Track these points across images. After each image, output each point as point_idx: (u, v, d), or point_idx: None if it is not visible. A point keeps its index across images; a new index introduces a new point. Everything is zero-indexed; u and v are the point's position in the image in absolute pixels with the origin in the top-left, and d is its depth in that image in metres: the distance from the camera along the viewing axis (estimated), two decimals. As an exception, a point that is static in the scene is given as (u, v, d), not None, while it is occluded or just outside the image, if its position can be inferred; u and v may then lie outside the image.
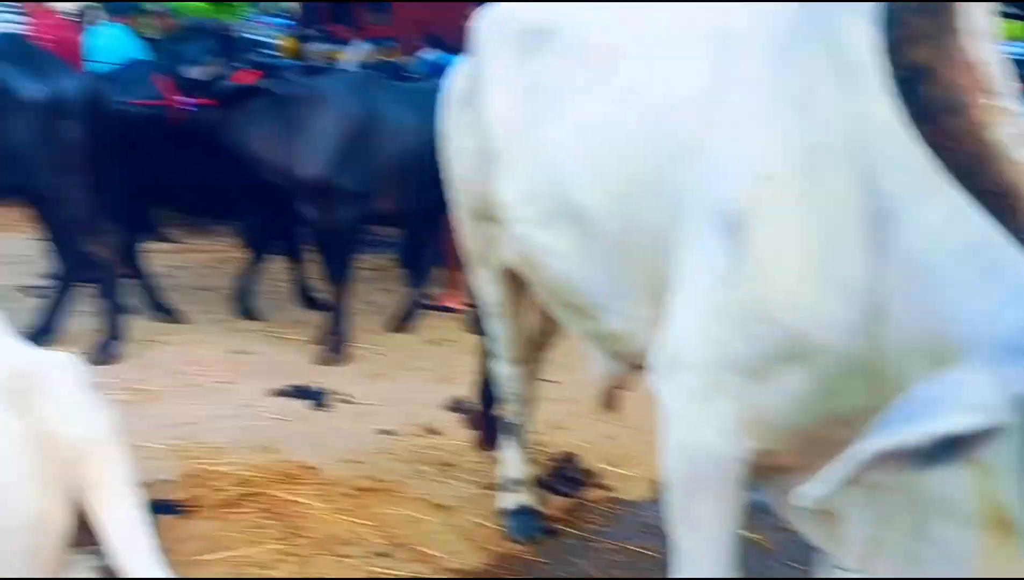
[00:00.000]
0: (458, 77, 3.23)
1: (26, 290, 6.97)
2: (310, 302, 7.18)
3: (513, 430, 3.62)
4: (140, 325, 6.34)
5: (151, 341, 5.96)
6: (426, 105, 3.94)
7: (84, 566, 2.81)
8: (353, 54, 11.37)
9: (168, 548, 3.12)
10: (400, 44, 11.30)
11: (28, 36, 8.77)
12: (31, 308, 5.74)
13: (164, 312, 6.49)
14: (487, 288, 3.39)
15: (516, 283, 3.22)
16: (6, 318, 3.06)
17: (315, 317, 6.76)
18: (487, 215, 3.05)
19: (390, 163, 5.82)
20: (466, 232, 3.34)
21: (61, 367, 2.83)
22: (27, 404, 2.67)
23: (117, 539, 2.64)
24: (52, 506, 2.63)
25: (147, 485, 3.54)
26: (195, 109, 5.61)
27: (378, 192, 5.85)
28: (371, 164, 5.78)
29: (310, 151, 5.63)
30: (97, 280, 5.60)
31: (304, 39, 13.53)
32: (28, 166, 5.16)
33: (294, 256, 7.28)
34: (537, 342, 3.62)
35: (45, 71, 5.34)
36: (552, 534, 3.59)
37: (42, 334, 5.36)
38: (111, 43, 9.05)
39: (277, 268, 8.35)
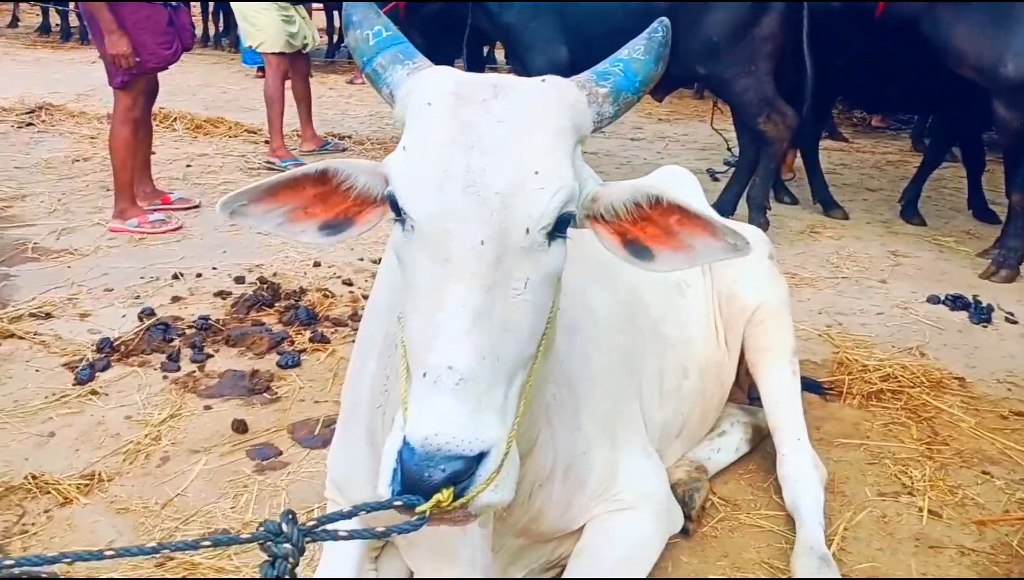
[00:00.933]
0: None
1: (711, 174, 7.71)
2: (984, 213, 6.65)
3: None
4: (804, 215, 6.58)
5: (812, 231, 6.14)
6: None
7: (735, 419, 3.11)
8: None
9: (812, 425, 3.28)
10: None
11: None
12: (715, 191, 6.30)
13: (829, 206, 6.60)
14: None
15: None
16: (700, 189, 3.42)
17: (985, 229, 6.28)
18: None
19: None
20: None
21: (750, 237, 3.09)
22: (716, 266, 3.00)
23: (774, 401, 2.85)
24: (723, 357, 2.94)
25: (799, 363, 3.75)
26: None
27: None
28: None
29: (1019, 47, 5.01)
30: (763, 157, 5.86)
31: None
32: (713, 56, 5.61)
33: (974, 162, 6.72)
34: None
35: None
36: None
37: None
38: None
39: (948, 174, 7.88)
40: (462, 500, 1.36)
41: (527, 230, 1.44)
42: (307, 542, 1.22)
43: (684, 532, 2.59)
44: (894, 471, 3.06)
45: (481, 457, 1.38)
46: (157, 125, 7.48)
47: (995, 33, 5.06)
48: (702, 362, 2.81)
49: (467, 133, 1.46)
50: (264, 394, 3.54)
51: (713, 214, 1.61)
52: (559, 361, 2.11)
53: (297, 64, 7.73)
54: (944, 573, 2.55)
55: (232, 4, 8.05)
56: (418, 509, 1.34)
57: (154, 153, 6.46)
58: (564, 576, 2.20)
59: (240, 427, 3.26)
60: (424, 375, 1.40)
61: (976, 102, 5.53)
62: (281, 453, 3.13)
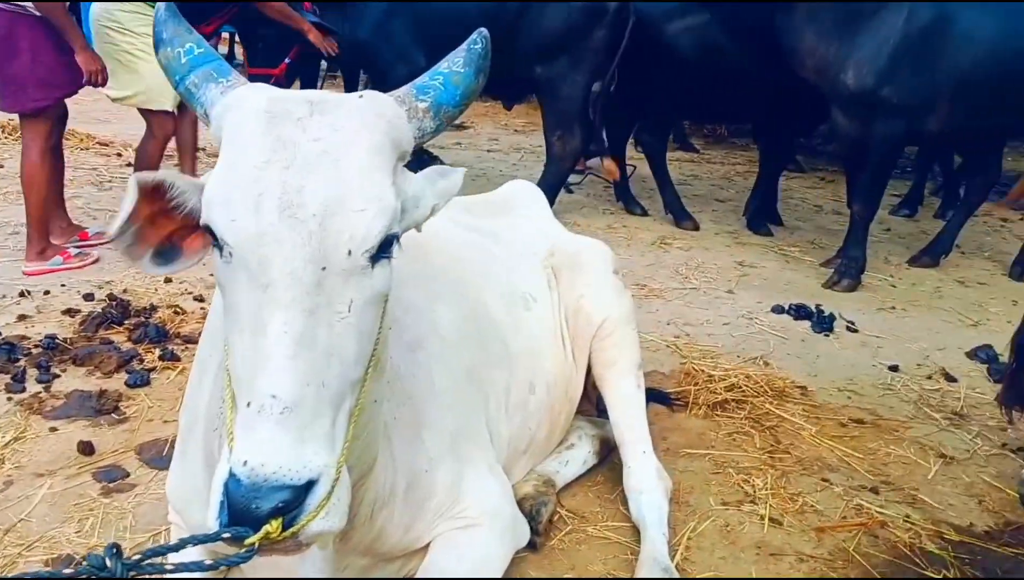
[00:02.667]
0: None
1: (566, 186, 7.78)
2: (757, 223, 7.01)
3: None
4: (655, 226, 6.74)
5: (663, 242, 6.30)
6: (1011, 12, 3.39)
7: (583, 431, 3.11)
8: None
9: (658, 435, 3.32)
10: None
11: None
12: (564, 201, 6.37)
13: (680, 217, 6.78)
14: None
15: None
16: (547, 203, 3.44)
17: (828, 239, 6.59)
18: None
19: (951, 76, 5.17)
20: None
21: (597, 251, 3.12)
22: (564, 278, 3.00)
23: (619, 413, 2.86)
24: (571, 371, 2.93)
25: (645, 374, 3.79)
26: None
27: (931, 108, 5.27)
28: (928, 76, 5.19)
29: (860, 58, 5.23)
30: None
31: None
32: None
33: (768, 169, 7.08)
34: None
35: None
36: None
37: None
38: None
39: (793, 185, 8.26)
40: (292, 530, 1.33)
41: (348, 253, 1.40)
42: (133, 576, 1.19)
43: (531, 546, 2.57)
44: (737, 480, 3.12)
45: (310, 485, 1.34)
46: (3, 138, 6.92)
47: (839, 41, 5.28)
48: (549, 377, 2.80)
49: (281, 152, 1.40)
50: (112, 414, 3.38)
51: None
52: (399, 379, 2.08)
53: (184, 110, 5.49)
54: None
55: (97, 40, 5.21)
56: (246, 542, 1.29)
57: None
58: None
59: (86, 449, 3.10)
60: (248, 404, 1.35)
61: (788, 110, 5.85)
62: (129, 475, 2.98)
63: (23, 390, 3.51)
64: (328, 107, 1.47)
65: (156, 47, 1.66)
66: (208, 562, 1.32)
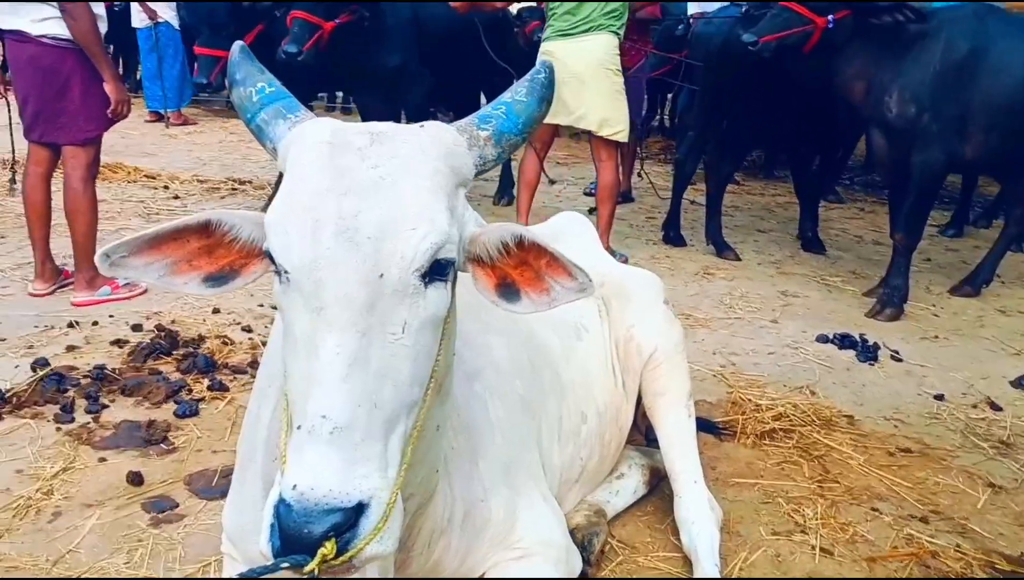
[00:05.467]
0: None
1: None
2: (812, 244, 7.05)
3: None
4: (697, 257, 6.70)
5: (706, 273, 6.25)
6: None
7: (633, 461, 3.09)
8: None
9: (707, 465, 3.28)
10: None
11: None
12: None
13: (721, 247, 6.74)
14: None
15: None
16: (595, 235, 3.44)
17: (871, 268, 6.50)
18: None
19: (991, 105, 5.11)
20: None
21: (645, 281, 3.11)
22: (614, 308, 2.99)
23: (670, 444, 2.82)
24: (621, 400, 2.91)
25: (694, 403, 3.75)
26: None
27: (971, 137, 5.19)
28: (968, 105, 5.13)
29: (904, 84, 5.18)
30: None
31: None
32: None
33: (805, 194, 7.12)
34: None
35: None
36: None
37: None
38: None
39: (833, 215, 8.15)
40: (347, 554, 1.31)
41: (399, 273, 1.39)
42: None
43: (583, 577, 2.53)
44: (787, 510, 3.07)
45: (361, 508, 1.32)
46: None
47: (884, 68, 5.24)
48: (600, 406, 2.78)
49: (340, 180, 1.41)
50: (161, 444, 3.37)
51: (576, 257, 1.62)
52: (456, 409, 2.07)
53: None
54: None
55: None
56: (305, 569, 1.28)
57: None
58: None
59: (135, 479, 3.08)
60: (299, 427, 1.34)
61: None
62: (178, 505, 2.97)
63: (72, 420, 3.51)
64: (388, 136, 1.49)
65: (230, 87, 1.69)
66: None
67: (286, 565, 1.29)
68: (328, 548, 1.29)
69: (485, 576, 2.18)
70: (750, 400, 3.87)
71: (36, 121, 4.75)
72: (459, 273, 1.64)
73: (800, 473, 3.34)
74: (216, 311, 4.86)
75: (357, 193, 1.41)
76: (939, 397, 4.18)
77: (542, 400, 2.51)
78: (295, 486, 1.30)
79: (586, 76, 5.51)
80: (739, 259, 6.64)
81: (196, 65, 6.60)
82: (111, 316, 4.72)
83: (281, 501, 1.31)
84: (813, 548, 2.84)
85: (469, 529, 2.10)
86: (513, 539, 2.20)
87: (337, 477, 1.31)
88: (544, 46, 5.67)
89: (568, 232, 3.29)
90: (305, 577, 1.29)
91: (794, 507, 3.09)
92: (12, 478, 3.08)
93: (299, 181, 1.45)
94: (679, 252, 6.83)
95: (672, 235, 7.01)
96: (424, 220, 1.42)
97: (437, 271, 1.45)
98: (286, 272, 1.42)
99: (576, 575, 2.45)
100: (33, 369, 3.92)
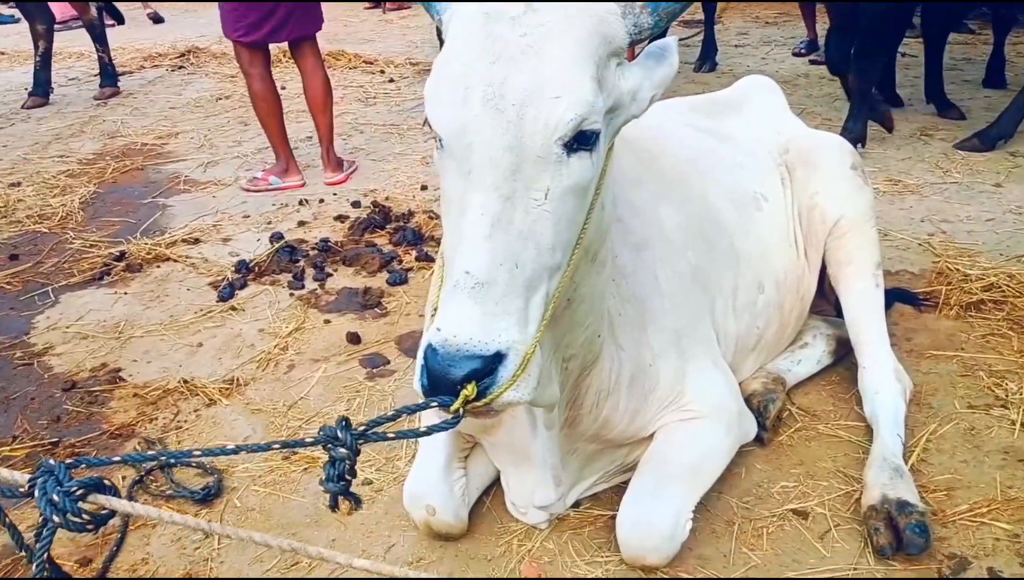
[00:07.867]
0: None
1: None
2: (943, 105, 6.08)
3: None
4: (915, 117, 6.09)
5: (923, 134, 5.70)
6: None
7: (818, 331, 2.98)
8: None
9: (902, 336, 3.12)
10: None
11: None
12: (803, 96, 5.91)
13: (943, 106, 6.09)
14: None
15: None
16: (784, 99, 3.23)
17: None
18: None
19: None
20: None
21: (833, 147, 2.91)
22: (798, 176, 2.85)
23: (855, 313, 2.69)
24: (803, 270, 2.80)
25: (892, 273, 3.53)
26: None
27: None
28: None
29: None
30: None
31: None
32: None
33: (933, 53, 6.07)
34: None
35: None
36: None
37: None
38: None
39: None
40: (486, 399, 1.39)
41: (542, 141, 1.40)
42: (360, 444, 1.28)
43: (759, 441, 2.54)
44: (988, 383, 2.86)
45: (499, 357, 1.38)
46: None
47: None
48: (779, 276, 2.68)
49: (490, 48, 1.42)
50: (375, 309, 3.69)
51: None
52: (624, 278, 2.09)
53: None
54: (1030, 487, 2.40)
55: None
56: (451, 408, 1.37)
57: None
58: (633, 478, 2.20)
59: (354, 339, 3.43)
60: (449, 281, 1.41)
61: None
62: (389, 362, 3.27)
63: (302, 287, 3.91)
64: (542, 5, 1.46)
65: None
66: (422, 429, 1.38)
67: (435, 403, 1.38)
68: (469, 390, 1.36)
69: (654, 436, 2.24)
70: (958, 270, 3.57)
71: (287, 20, 4.91)
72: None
73: (1008, 346, 3.08)
74: (424, 188, 5.11)
75: (505, 60, 1.41)
76: None
77: (716, 271, 2.47)
78: (440, 333, 1.38)
79: None
80: (964, 118, 5.95)
81: None
82: (335, 194, 5.10)
83: (429, 346, 1.39)
84: (1013, 423, 2.65)
85: (637, 391, 2.15)
86: (683, 402, 2.23)
87: (477, 327, 1.37)
88: None
89: (754, 96, 3.12)
90: (450, 417, 1.38)
91: (996, 381, 2.87)
92: (256, 336, 3.51)
93: (454, 50, 1.47)
94: (894, 113, 6.23)
95: (887, 94, 6.39)
96: (568, 89, 1.41)
97: (581, 141, 1.44)
98: (441, 139, 1.46)
99: (749, 439, 2.46)
100: (271, 242, 4.35)
